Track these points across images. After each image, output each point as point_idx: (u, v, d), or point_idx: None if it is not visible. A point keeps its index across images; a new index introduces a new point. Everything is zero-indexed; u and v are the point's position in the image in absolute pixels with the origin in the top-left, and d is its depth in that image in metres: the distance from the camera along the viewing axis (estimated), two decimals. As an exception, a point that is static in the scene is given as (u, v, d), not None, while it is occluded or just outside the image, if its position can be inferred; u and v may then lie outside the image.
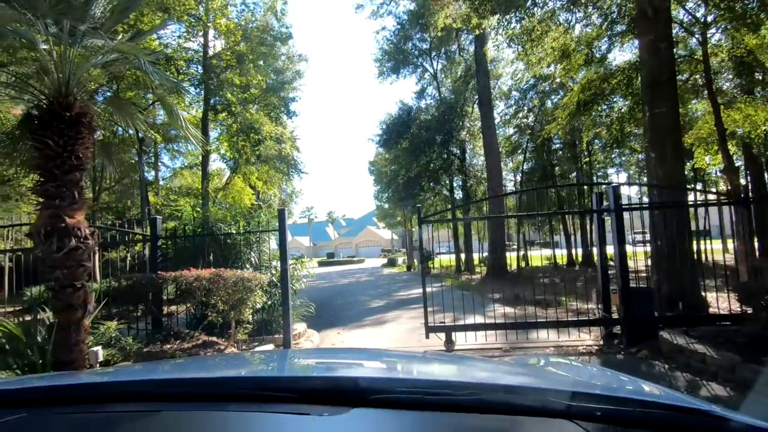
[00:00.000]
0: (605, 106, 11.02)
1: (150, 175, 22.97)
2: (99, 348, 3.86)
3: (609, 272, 6.34)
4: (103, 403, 1.03)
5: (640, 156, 22.13)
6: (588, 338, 6.12)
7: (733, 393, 3.67)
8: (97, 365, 3.80)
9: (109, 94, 13.58)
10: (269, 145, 18.16)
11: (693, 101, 12.50)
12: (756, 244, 10.02)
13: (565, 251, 25.44)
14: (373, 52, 25.85)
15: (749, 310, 5.09)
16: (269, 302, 6.39)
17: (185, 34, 14.61)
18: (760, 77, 11.10)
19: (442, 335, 6.20)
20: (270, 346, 5.67)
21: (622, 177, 25.33)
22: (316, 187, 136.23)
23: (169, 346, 4.77)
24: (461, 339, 6.46)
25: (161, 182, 23.34)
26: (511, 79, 24.28)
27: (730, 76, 11.64)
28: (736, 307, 5.61)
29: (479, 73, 21.28)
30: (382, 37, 25.16)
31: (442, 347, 6.15)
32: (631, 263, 5.96)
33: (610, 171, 25.46)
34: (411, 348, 6.26)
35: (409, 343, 6.64)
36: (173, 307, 6.10)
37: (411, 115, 24.20)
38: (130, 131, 16.45)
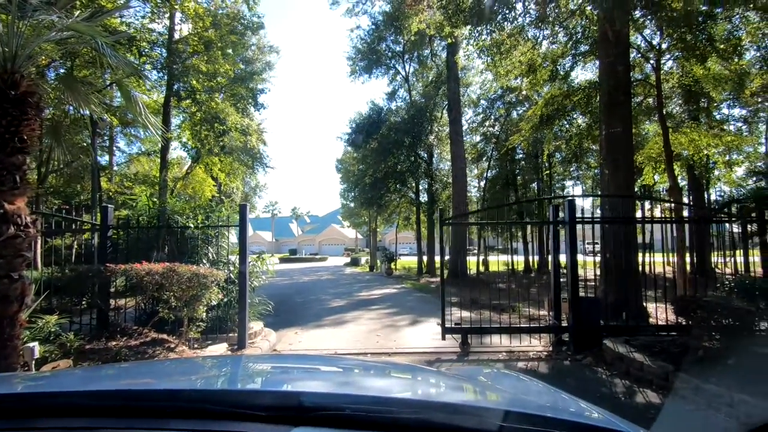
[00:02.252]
0: (566, 122, 11.53)
1: (104, 160, 21.80)
2: (35, 344, 3.61)
3: (561, 280, 6.65)
4: (26, 419, 0.95)
5: (595, 171, 23.34)
6: (539, 344, 6.38)
7: (665, 400, 3.95)
8: (33, 363, 3.55)
9: (62, 70, 12.77)
10: (234, 136, 17.65)
11: (645, 123, 13.29)
12: (694, 259, 10.82)
13: (522, 257, 26.38)
14: (346, 50, 25.74)
15: (684, 321, 5.50)
16: (225, 299, 6.22)
17: (150, 14, 13.94)
18: (705, 105, 11.97)
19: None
20: (223, 345, 5.52)
21: (579, 190, 26.53)
22: (282, 181, 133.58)
23: (114, 343, 4.52)
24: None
25: (115, 168, 22.17)
26: (480, 89, 24.93)
27: (679, 102, 12.48)
28: (673, 318, 6.03)
29: (450, 80, 21.71)
30: (356, 36, 25.11)
31: (390, 350, 6.20)
32: (582, 272, 6.28)
33: (568, 183, 26.66)
34: (368, 350, 6.29)
35: (368, 345, 6.66)
36: (122, 301, 5.81)
37: (381, 116, 24.30)
38: (84, 112, 15.57)
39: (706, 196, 16.23)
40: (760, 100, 14.43)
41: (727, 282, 5.23)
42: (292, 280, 21.21)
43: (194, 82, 14.99)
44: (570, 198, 6.34)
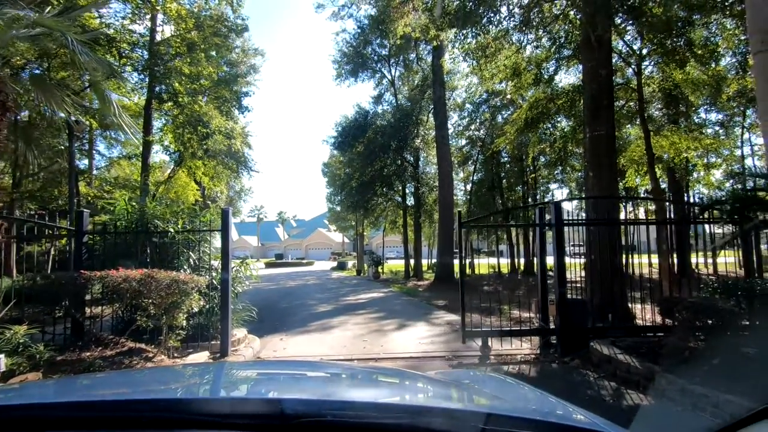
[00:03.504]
0: (550, 125, 11.65)
1: (83, 164, 21.23)
2: (1, 356, 3.41)
3: (548, 282, 6.65)
4: None
5: (579, 174, 23.70)
6: (527, 347, 6.35)
7: (652, 401, 3.94)
8: (-2, 376, 3.36)
9: (37, 71, 12.39)
10: (218, 139, 17.39)
11: (627, 126, 13.52)
12: (675, 260, 10.99)
13: (508, 260, 26.54)
14: (332, 53, 25.59)
15: (669, 322, 5.53)
16: (208, 306, 6.05)
17: (130, 15, 13.66)
18: (684, 109, 12.23)
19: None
20: (205, 354, 5.34)
21: (563, 192, 26.88)
22: (267, 185, 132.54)
23: (88, 353, 4.32)
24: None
25: (95, 172, 21.60)
26: (465, 92, 25.08)
27: (660, 106, 12.73)
28: (658, 319, 6.08)
29: (435, 84, 21.80)
30: (342, 39, 25.06)
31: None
32: (568, 274, 6.29)
33: (552, 186, 27.00)
34: (354, 356, 6.17)
35: (354, 351, 6.55)
36: (99, 309, 5.59)
37: (367, 120, 24.25)
38: (60, 114, 15.14)
39: (685, 198, 16.59)
40: (735, 104, 14.82)
41: (710, 282, 5.28)
42: (278, 285, 20.93)
43: (177, 84, 14.72)
44: (557, 201, 6.36)
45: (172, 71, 14.22)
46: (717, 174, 18.34)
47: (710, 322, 4.37)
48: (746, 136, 17.93)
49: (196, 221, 6.28)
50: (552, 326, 6.18)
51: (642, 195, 25.31)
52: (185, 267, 5.75)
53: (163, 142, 15.72)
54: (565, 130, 11.38)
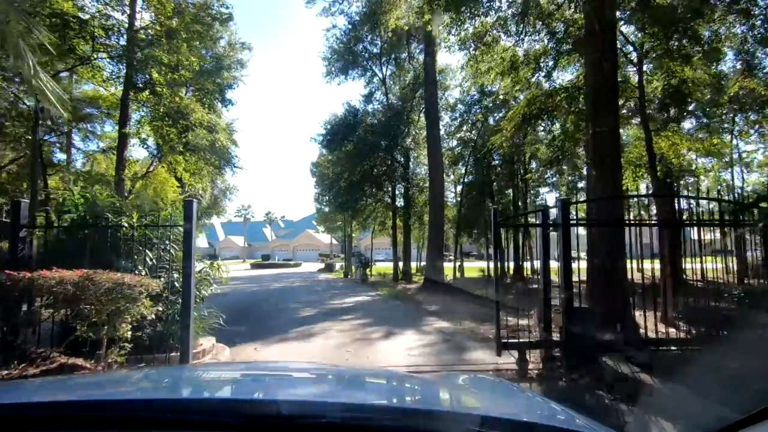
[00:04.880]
0: (549, 122, 11.10)
1: (59, 158, 20.17)
2: None
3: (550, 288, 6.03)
4: None
5: (569, 178, 23.43)
6: (528, 360, 5.72)
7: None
8: None
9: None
10: (200, 134, 16.52)
11: (626, 126, 13.08)
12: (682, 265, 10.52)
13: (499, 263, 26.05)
14: (322, 50, 24.84)
15: (687, 335, 4.95)
16: (169, 312, 5.30)
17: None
18: (685, 110, 11.82)
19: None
20: (161, 368, 4.60)
21: (554, 197, 26.54)
22: (255, 185, 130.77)
23: (6, 372, 3.56)
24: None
25: (78, 166, 20.55)
26: (459, 90, 24.59)
27: (659, 107, 12.31)
28: (663, 329, 5.51)
29: (428, 82, 21.24)
30: (332, 36, 24.32)
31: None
32: (555, 279, 5.71)
33: (543, 190, 26.66)
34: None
35: (337, 362, 5.87)
36: (37, 316, 4.79)
37: (357, 118, 23.56)
38: (28, 103, 14.12)
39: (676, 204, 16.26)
40: (725, 111, 14.49)
41: (736, 292, 4.72)
42: (261, 287, 20.09)
43: (155, 73, 13.88)
44: (563, 199, 5.77)
45: (149, 59, 13.38)
46: (705, 181, 18.08)
47: (743, 335, 3.79)
48: (734, 142, 17.76)
49: (156, 214, 5.52)
50: (556, 337, 5.57)
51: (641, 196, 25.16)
52: (140, 268, 4.99)
53: (140, 135, 14.78)
54: (567, 127, 10.80)
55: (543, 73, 10.22)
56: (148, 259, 5.20)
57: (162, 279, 4.94)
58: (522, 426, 1.00)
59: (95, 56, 13.75)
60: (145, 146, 15.27)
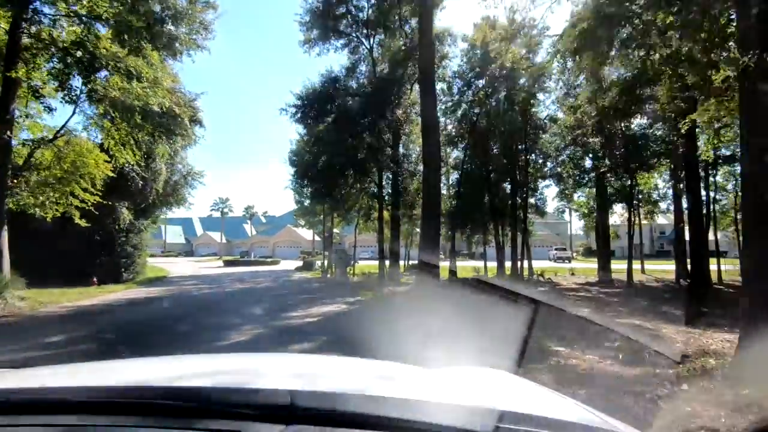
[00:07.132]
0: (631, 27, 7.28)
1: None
2: None
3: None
4: (9, 415, 0.92)
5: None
6: None
7: None
8: None
9: None
10: (134, 90, 12.62)
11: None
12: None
13: (494, 263, 23.07)
14: (299, 12, 20.79)
15: None
16: None
17: None
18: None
19: None
20: None
21: (553, 190, 23.54)
22: (235, 178, 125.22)
23: None
24: None
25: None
26: (459, 60, 21.20)
27: None
28: None
29: (422, 45, 17.60)
30: (310, -4, 20.40)
31: None
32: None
33: (541, 184, 23.81)
34: None
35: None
36: None
37: (337, 88, 19.85)
38: None
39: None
40: None
41: None
42: (214, 290, 16.39)
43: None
44: None
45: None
46: None
47: None
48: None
49: None
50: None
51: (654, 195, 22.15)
52: None
53: (32, 80, 10.88)
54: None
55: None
56: None
57: None
58: (540, 421, 0.93)
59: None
60: (40, 101, 11.28)
